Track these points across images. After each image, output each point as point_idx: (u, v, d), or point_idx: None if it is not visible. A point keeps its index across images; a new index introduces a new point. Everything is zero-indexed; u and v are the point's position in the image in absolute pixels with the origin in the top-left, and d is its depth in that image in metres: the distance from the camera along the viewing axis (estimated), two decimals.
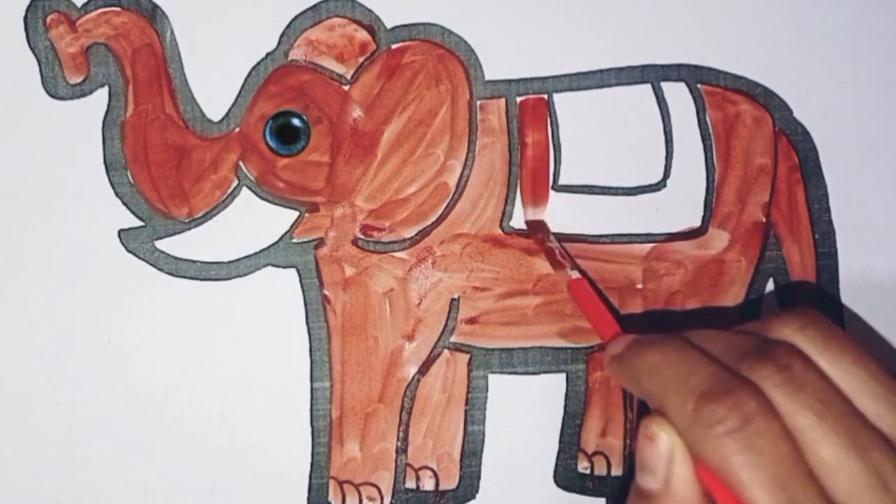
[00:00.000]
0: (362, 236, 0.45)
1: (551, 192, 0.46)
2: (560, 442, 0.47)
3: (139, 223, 0.45)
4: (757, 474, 0.32)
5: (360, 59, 0.45)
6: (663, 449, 0.35)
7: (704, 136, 0.46)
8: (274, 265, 0.45)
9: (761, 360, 0.34)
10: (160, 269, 0.45)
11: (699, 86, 0.46)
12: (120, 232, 0.45)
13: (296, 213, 0.45)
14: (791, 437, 0.33)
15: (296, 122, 0.45)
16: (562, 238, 0.46)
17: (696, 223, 0.46)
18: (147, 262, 0.45)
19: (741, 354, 0.35)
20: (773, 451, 0.32)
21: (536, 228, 0.45)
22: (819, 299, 0.47)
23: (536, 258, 0.46)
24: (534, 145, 0.45)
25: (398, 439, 0.46)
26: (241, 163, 0.45)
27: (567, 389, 0.47)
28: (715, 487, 0.34)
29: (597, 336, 0.46)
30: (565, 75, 0.46)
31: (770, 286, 0.47)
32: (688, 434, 0.34)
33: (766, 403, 0.33)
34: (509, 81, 0.46)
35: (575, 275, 0.43)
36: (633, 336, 0.38)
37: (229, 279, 0.45)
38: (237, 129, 0.45)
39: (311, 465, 0.46)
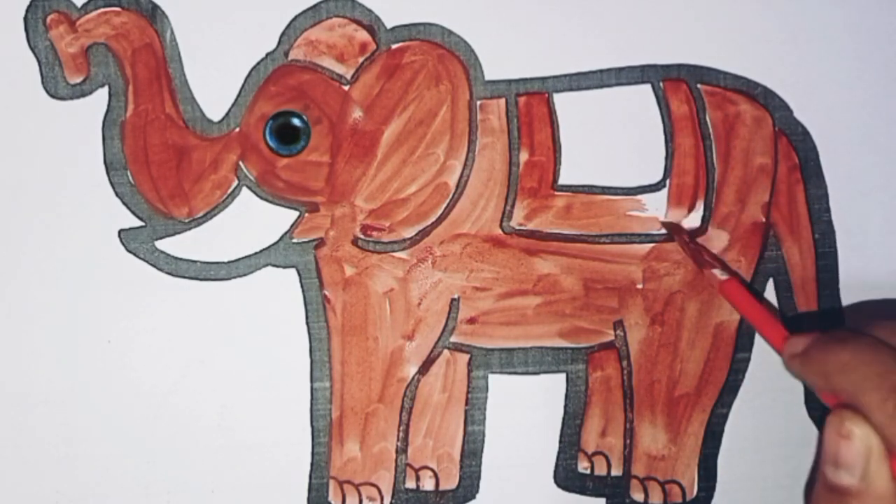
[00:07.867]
0: (362, 236, 0.45)
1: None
2: (560, 442, 0.47)
3: (139, 223, 0.45)
4: None
5: (360, 59, 0.45)
6: (860, 446, 0.35)
7: (704, 136, 0.46)
8: (274, 265, 0.45)
9: None
10: (160, 269, 0.45)
11: (699, 86, 0.46)
12: (120, 232, 0.45)
13: (296, 213, 0.45)
14: None
15: (296, 122, 0.45)
16: (563, 237, 0.46)
17: (696, 223, 0.46)
18: (147, 262, 0.45)
19: None
20: None
21: (676, 230, 0.45)
22: (819, 299, 0.47)
23: (536, 258, 0.46)
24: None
25: (398, 439, 0.46)
26: (241, 163, 0.45)
27: (567, 389, 0.47)
28: None
29: (596, 337, 0.46)
30: (565, 75, 0.46)
31: (770, 286, 0.47)
32: (889, 429, 0.34)
33: None
34: (509, 81, 0.46)
35: (724, 276, 0.43)
36: (814, 334, 0.38)
37: (229, 279, 0.45)
38: (237, 129, 0.45)
39: (311, 465, 0.46)
